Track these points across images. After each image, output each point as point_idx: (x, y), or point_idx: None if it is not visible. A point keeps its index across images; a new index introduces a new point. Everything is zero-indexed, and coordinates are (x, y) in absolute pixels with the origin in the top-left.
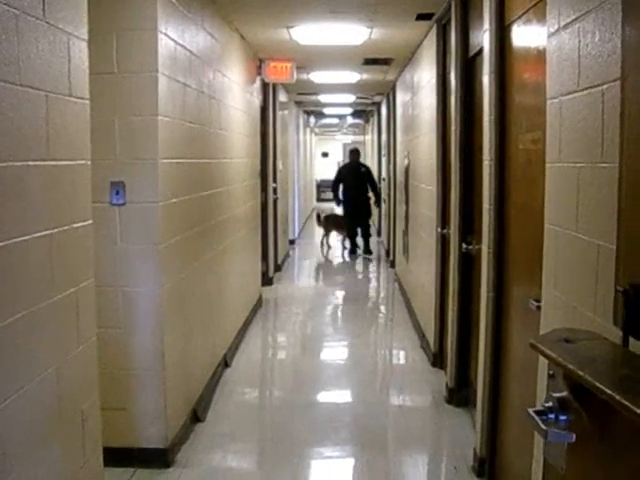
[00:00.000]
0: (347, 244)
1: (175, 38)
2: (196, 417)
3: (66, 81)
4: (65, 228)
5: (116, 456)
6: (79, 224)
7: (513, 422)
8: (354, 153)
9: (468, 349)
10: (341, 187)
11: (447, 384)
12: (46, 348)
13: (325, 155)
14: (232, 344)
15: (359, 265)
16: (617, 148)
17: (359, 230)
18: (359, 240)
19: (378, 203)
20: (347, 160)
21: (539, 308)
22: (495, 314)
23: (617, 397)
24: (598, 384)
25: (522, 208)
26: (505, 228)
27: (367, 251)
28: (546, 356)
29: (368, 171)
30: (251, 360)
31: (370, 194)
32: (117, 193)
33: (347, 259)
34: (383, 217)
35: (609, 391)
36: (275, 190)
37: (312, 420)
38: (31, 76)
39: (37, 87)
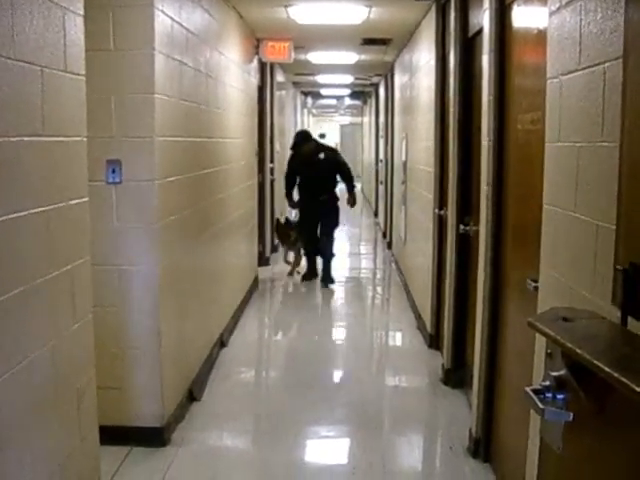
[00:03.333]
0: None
1: (172, 15)
2: (192, 396)
3: (62, 56)
4: (61, 205)
5: (112, 434)
6: (75, 201)
7: (509, 403)
8: (301, 135)
9: (465, 330)
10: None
11: (443, 365)
12: (41, 325)
13: (322, 136)
14: (228, 324)
15: (355, 247)
16: (618, 127)
17: (320, 241)
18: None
19: (350, 192)
20: (298, 143)
21: (537, 289)
22: (492, 295)
23: (615, 375)
24: (596, 362)
25: (520, 189)
26: (503, 209)
27: (327, 279)
28: (544, 334)
29: (334, 157)
30: (247, 340)
31: (338, 190)
32: (113, 171)
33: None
34: (380, 198)
35: (607, 369)
36: (272, 171)
37: (308, 400)
38: (26, 51)
39: (32, 62)
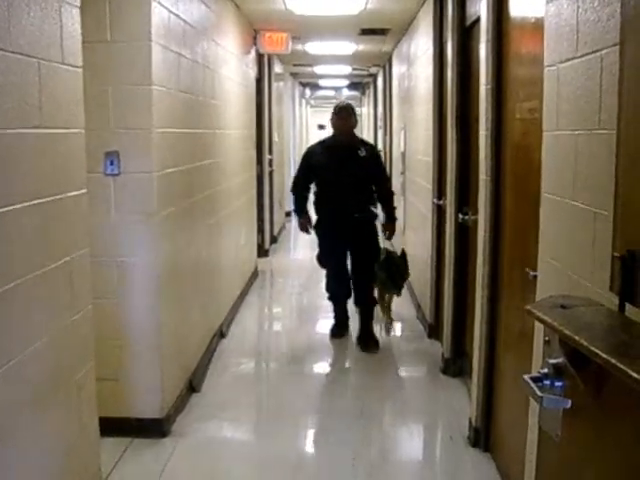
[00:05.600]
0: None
1: (169, 6)
2: (192, 387)
3: (58, 48)
4: (59, 197)
5: (112, 426)
6: (73, 193)
7: (508, 392)
8: (344, 113)
9: (464, 320)
10: (313, 187)
11: (443, 354)
12: (40, 317)
13: (321, 127)
14: (228, 315)
15: None
16: (615, 114)
17: (353, 281)
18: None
19: (391, 219)
20: (336, 125)
21: (535, 277)
22: (491, 284)
23: (613, 361)
24: (594, 349)
25: (519, 178)
26: (502, 198)
27: (367, 339)
28: (542, 322)
29: (376, 158)
30: (247, 331)
31: (376, 202)
32: (111, 163)
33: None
34: None
35: (605, 355)
36: (271, 162)
37: (307, 390)
38: (22, 43)
39: (29, 54)
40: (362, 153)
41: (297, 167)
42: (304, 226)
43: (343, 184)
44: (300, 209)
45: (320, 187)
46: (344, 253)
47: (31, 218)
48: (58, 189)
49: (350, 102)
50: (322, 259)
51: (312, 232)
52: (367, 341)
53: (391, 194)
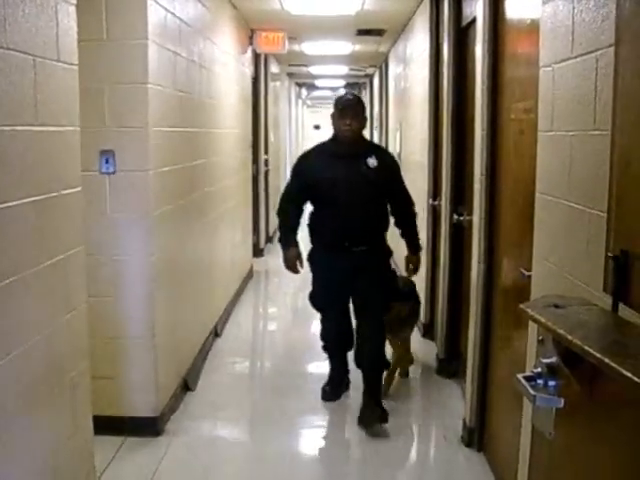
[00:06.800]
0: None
1: (165, 5)
2: (186, 386)
3: (54, 46)
4: (54, 194)
5: (106, 424)
6: (68, 191)
7: (502, 393)
8: (350, 111)
9: (459, 320)
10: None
11: (437, 355)
12: (35, 314)
13: (317, 127)
14: (223, 314)
15: None
16: (610, 115)
17: (357, 334)
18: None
19: (414, 249)
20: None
21: (530, 278)
22: (486, 285)
23: (606, 360)
24: (587, 348)
25: (514, 178)
26: (496, 198)
27: (372, 410)
28: (535, 321)
29: (391, 166)
30: (242, 330)
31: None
32: (107, 161)
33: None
34: None
35: (598, 354)
36: (266, 162)
37: (301, 389)
38: (18, 40)
39: (24, 51)
40: (373, 162)
41: (287, 181)
42: (292, 263)
43: (347, 205)
44: (287, 239)
45: (316, 208)
46: (346, 295)
47: (26, 216)
48: (53, 187)
49: (355, 94)
50: (316, 301)
51: (302, 270)
52: (372, 419)
53: (414, 216)
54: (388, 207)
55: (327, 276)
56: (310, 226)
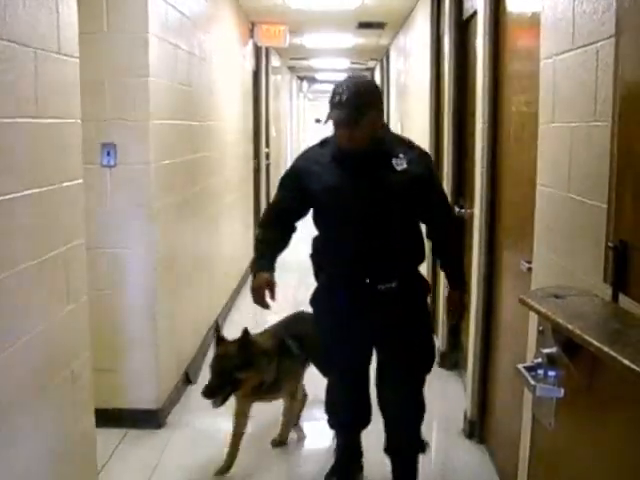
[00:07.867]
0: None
1: None
2: (188, 379)
3: (55, 38)
4: (55, 187)
5: (108, 417)
6: (69, 183)
7: (503, 385)
8: (342, 121)
9: None
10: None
11: (439, 347)
12: (35, 307)
13: (318, 121)
14: (224, 308)
15: None
16: (610, 107)
17: (383, 406)
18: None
19: (459, 283)
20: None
21: (530, 270)
22: (486, 277)
23: (606, 349)
24: (587, 337)
25: (515, 170)
26: (497, 191)
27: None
28: (535, 311)
29: (425, 169)
30: (242, 324)
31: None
32: (108, 154)
33: None
34: None
35: (598, 343)
36: (268, 155)
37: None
38: (18, 32)
39: (25, 43)
40: (401, 164)
41: (276, 191)
42: (260, 292)
43: (364, 225)
44: (261, 262)
45: (322, 230)
46: (368, 356)
47: (26, 208)
48: (53, 179)
49: (360, 80)
50: (323, 362)
51: (272, 305)
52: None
53: (457, 238)
54: (422, 227)
55: (339, 326)
56: (314, 257)
